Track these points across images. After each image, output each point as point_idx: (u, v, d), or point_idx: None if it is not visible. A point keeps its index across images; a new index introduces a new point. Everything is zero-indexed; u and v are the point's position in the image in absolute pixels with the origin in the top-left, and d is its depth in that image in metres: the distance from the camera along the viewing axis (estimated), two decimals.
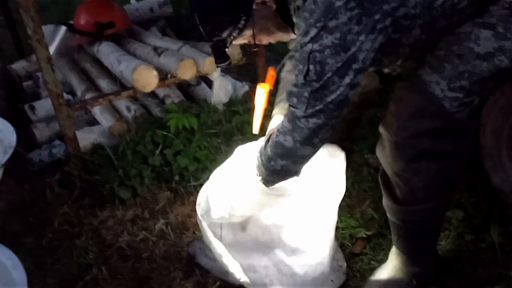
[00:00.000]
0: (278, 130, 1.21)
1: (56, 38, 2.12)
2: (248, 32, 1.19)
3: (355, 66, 1.09)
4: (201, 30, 1.19)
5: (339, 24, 1.05)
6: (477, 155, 1.70)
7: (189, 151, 1.92)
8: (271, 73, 1.44)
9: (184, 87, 2.27)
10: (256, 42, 1.23)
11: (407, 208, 1.29)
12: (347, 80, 1.09)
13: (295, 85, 1.15)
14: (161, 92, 2.15)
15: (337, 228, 1.70)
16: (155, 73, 1.86)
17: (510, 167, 1.64)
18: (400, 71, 1.41)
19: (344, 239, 1.65)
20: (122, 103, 2.05)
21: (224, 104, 2.12)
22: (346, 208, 1.80)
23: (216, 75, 2.04)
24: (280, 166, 1.23)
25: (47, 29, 2.24)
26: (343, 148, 2.00)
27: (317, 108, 1.12)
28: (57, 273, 1.58)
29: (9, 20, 2.70)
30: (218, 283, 1.52)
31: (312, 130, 1.15)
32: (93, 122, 2.14)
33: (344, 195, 1.85)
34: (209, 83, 2.21)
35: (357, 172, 1.96)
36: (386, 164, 1.28)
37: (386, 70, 1.44)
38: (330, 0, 1.05)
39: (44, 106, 2.12)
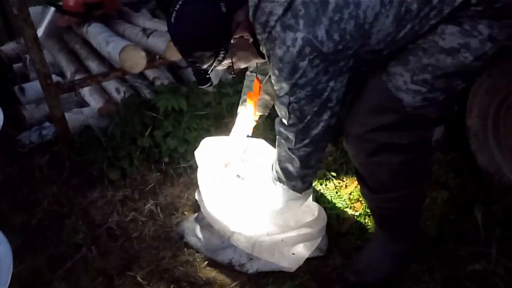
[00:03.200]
0: (278, 159, 1.35)
1: (44, 19, 2.10)
2: (227, 61, 1.28)
3: (330, 104, 1.19)
4: (184, 59, 1.29)
5: (308, 80, 1.14)
6: (463, 136, 1.72)
7: (179, 132, 1.93)
8: (257, 84, 1.55)
9: (174, 69, 2.26)
10: (235, 68, 1.32)
11: (379, 196, 1.32)
12: (325, 116, 1.21)
13: (282, 124, 1.27)
14: (150, 74, 2.14)
15: (324, 208, 1.72)
16: (143, 54, 1.85)
17: (496, 148, 1.65)
18: None
19: (331, 219, 1.68)
20: (111, 85, 2.05)
21: (214, 86, 2.11)
22: (334, 189, 1.82)
23: None
24: (291, 185, 1.37)
25: (35, 10, 2.22)
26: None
27: (304, 142, 1.25)
28: (46, 252, 1.59)
29: None
30: (206, 263, 1.54)
31: (305, 157, 1.28)
32: (82, 104, 2.13)
33: (332, 176, 1.88)
34: None
35: (345, 154, 1.98)
36: (351, 156, 1.32)
37: None
38: (294, 62, 1.12)
39: (33, 88, 2.11)
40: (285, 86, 1.17)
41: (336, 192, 1.80)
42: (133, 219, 1.74)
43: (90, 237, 1.65)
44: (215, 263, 1.53)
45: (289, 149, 1.28)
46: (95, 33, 2.02)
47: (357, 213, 1.69)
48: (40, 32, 2.10)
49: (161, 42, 1.91)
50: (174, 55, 1.90)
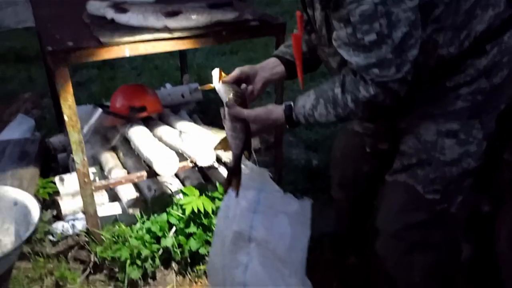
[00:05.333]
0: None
1: (92, 118, 2.30)
2: None
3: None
4: None
5: None
6: (493, 261, 1.66)
7: (202, 234, 1.96)
8: (299, 14, 1.42)
9: (203, 168, 2.36)
10: None
11: None
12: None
13: (366, 51, 1.09)
14: (181, 174, 2.25)
15: None
16: (176, 159, 1.97)
17: None
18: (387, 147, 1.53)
19: None
20: (144, 182, 2.16)
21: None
22: None
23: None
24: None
25: (85, 108, 2.44)
26: (355, 243, 2.01)
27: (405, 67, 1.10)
28: None
29: (53, 91, 2.96)
30: None
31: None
32: (115, 197, 2.24)
33: None
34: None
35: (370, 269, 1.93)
36: (384, 258, 1.32)
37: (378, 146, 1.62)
38: None
39: (73, 180, 2.25)
40: None
41: None
42: None
43: None
44: None
45: (380, 83, 1.10)
46: (136, 134, 2.19)
47: None
48: (86, 128, 2.29)
49: (194, 147, 2.03)
50: (204, 161, 2.02)
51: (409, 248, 1.27)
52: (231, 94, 1.33)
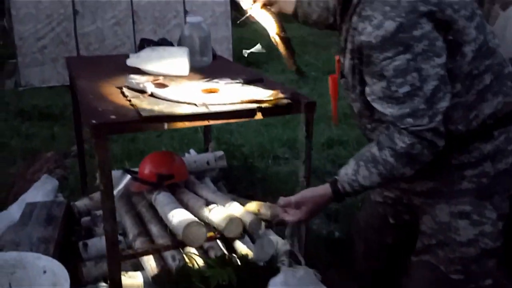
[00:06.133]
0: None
1: (121, 183, 2.35)
2: None
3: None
4: None
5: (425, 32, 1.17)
6: None
7: None
8: (337, 58, 1.54)
9: (228, 239, 2.35)
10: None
11: None
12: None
13: (400, 103, 1.18)
14: (205, 244, 2.24)
15: None
16: (204, 230, 1.98)
17: None
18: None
19: None
20: (168, 252, 2.15)
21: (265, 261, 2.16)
22: None
23: (259, 233, 2.13)
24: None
25: (115, 173, 2.49)
26: None
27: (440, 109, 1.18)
28: None
29: (81, 154, 3.04)
30: None
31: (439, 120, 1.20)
32: (137, 265, 2.22)
33: None
34: (253, 237, 2.30)
35: None
36: None
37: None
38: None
39: (96, 245, 2.25)
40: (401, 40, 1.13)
41: None
42: None
43: None
44: None
45: (415, 132, 1.17)
46: (162, 202, 2.21)
47: None
48: (114, 192, 2.32)
49: (220, 219, 2.04)
50: (231, 233, 2.02)
51: None
52: (277, 27, 1.61)
